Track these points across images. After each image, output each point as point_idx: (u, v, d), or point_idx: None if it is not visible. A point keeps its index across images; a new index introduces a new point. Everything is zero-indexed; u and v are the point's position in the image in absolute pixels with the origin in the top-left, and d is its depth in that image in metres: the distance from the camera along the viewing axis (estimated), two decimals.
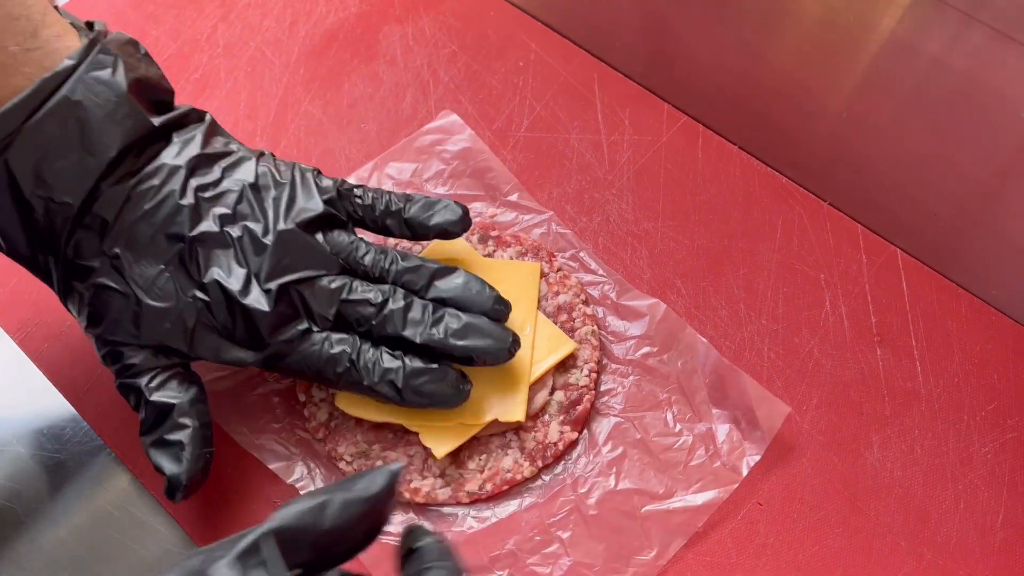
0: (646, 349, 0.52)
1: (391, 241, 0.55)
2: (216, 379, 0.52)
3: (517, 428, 0.50)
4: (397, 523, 0.49)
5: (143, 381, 0.45)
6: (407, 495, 0.49)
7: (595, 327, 0.53)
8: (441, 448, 0.49)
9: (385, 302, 0.46)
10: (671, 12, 0.65)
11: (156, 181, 0.45)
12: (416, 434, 0.50)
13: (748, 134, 0.60)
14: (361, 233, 0.51)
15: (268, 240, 0.45)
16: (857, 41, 0.56)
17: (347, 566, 0.30)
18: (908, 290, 0.54)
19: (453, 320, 0.46)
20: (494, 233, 0.56)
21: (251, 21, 0.67)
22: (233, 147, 0.48)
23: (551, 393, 0.51)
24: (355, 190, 0.50)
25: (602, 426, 0.51)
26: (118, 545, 0.51)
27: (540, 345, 0.52)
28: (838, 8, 0.61)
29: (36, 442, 0.54)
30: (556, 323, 0.53)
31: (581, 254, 0.56)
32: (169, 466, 0.44)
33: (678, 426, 0.50)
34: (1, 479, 0.53)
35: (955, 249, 0.55)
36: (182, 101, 0.63)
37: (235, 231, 0.45)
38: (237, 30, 0.67)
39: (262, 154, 0.49)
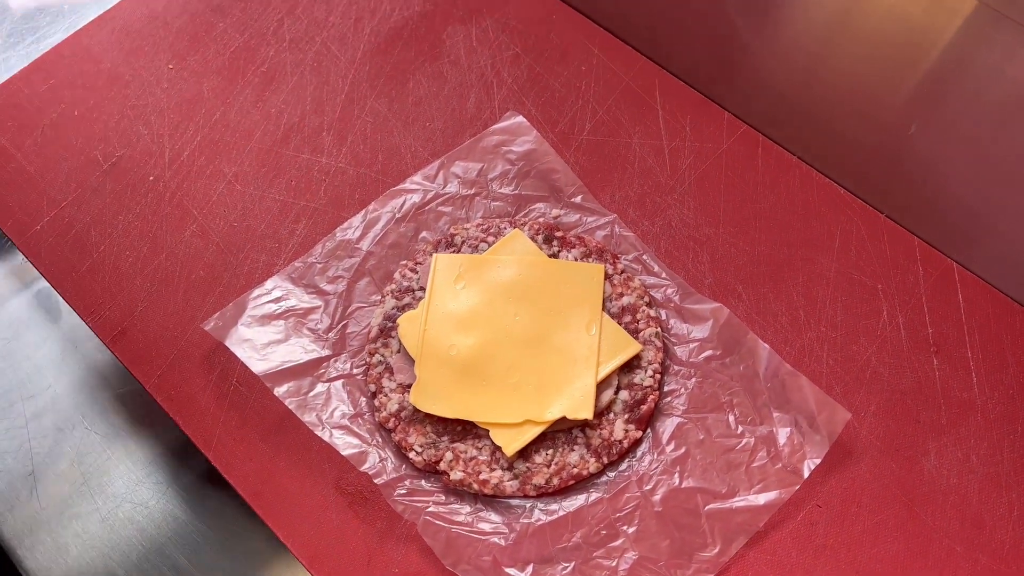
0: (709, 352, 0.54)
1: (470, 228, 0.57)
2: (289, 368, 0.53)
3: (583, 425, 0.52)
4: (466, 513, 0.50)
5: None
6: (476, 486, 0.50)
7: (659, 329, 0.54)
8: (511, 446, 0.50)
9: None
10: (733, 21, 0.66)
11: None
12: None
13: (807, 145, 0.61)
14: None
15: None
16: (917, 53, 0.57)
17: None
18: (964, 303, 0.55)
19: None
20: (559, 234, 0.57)
21: (317, 16, 0.68)
22: None
23: (616, 392, 0.52)
24: None
25: (666, 425, 0.52)
26: (186, 525, 0.52)
27: (605, 346, 0.53)
28: (898, 20, 0.63)
29: (104, 419, 0.56)
30: (620, 324, 0.54)
31: (644, 257, 0.57)
32: None
33: (740, 428, 0.52)
34: (72, 456, 0.54)
35: (1012, 264, 0.56)
36: (248, 95, 0.65)
37: None
38: (303, 25, 0.68)
39: None
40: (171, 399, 0.54)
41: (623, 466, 0.51)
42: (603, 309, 0.55)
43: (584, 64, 0.65)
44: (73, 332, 0.58)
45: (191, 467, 0.54)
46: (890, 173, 0.59)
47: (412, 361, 0.53)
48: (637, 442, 0.52)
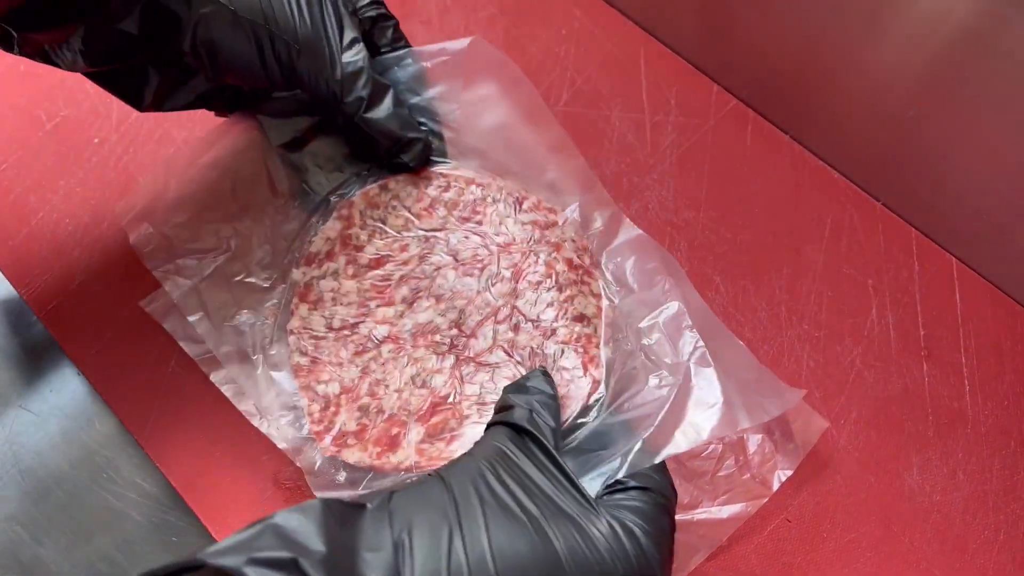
0: None
1: None
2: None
3: None
4: None
5: None
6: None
7: None
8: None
9: None
10: None
11: None
12: None
13: (801, 123, 0.56)
14: None
15: None
16: (926, 30, 0.51)
17: None
18: (961, 303, 0.51)
19: None
20: None
21: None
22: None
23: None
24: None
25: None
26: (120, 515, 0.50)
27: None
28: None
29: (39, 398, 0.53)
30: None
31: None
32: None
33: None
34: (4, 436, 0.52)
35: (1015, 262, 0.51)
36: None
37: None
38: None
39: None
40: (105, 380, 0.51)
41: None
42: None
43: (565, 27, 0.60)
44: (7, 304, 0.55)
45: (127, 454, 0.51)
46: (890, 158, 0.54)
47: None
48: None
